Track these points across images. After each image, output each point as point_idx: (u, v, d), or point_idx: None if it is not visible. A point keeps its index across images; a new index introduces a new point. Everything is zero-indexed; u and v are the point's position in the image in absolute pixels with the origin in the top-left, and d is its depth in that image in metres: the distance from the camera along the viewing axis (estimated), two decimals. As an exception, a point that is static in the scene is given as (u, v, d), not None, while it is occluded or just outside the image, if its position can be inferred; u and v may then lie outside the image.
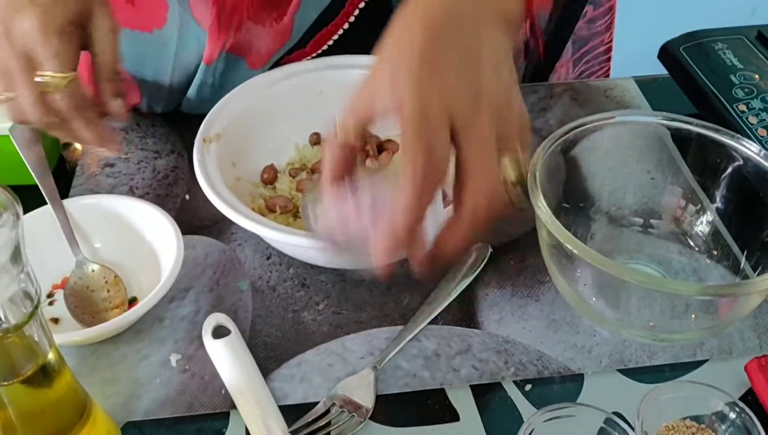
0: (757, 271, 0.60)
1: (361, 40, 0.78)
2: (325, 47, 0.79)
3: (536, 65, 0.89)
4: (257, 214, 0.61)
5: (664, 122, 0.65)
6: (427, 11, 0.46)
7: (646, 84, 0.86)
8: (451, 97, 0.45)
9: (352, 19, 0.77)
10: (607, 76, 0.95)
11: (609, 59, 0.93)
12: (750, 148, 0.61)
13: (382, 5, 0.76)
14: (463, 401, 0.56)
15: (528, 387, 0.58)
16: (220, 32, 0.73)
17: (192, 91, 0.80)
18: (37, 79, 0.58)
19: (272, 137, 0.73)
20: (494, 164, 0.47)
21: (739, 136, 0.61)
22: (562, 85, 0.85)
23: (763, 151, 0.60)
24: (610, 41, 0.93)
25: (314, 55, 0.79)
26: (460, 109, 0.45)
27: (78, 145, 0.78)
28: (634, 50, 1.09)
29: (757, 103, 0.71)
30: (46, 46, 0.57)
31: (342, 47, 0.78)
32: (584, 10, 0.88)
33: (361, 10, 0.76)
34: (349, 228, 0.50)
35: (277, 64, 0.79)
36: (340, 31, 0.78)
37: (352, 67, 0.76)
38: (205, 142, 0.66)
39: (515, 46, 0.50)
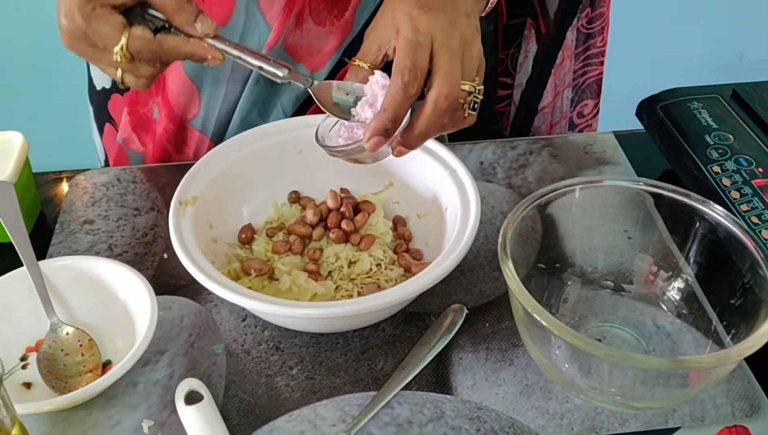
0: (730, 334, 0.60)
1: None
2: None
3: (547, 49, 0.93)
4: (231, 281, 0.61)
5: (639, 187, 0.65)
6: None
7: (625, 139, 0.86)
8: (435, 25, 0.59)
9: None
10: (600, 78, 0.96)
11: (602, 63, 0.95)
12: (720, 213, 0.61)
13: None
14: (434, 470, 0.56)
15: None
16: (284, 14, 0.76)
17: (244, 100, 0.82)
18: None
19: (250, 197, 0.74)
20: (457, 70, 0.59)
21: (708, 201, 0.62)
22: (541, 141, 0.86)
23: (731, 216, 0.60)
24: (604, 45, 0.95)
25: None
26: (439, 34, 0.59)
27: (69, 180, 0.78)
28: (618, 97, 1.09)
29: (730, 165, 0.72)
30: (92, 35, 0.61)
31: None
32: (585, 11, 0.92)
33: None
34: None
35: (335, 68, 0.81)
36: None
37: (332, 125, 0.77)
38: (182, 204, 0.67)
39: (481, 10, 0.66)
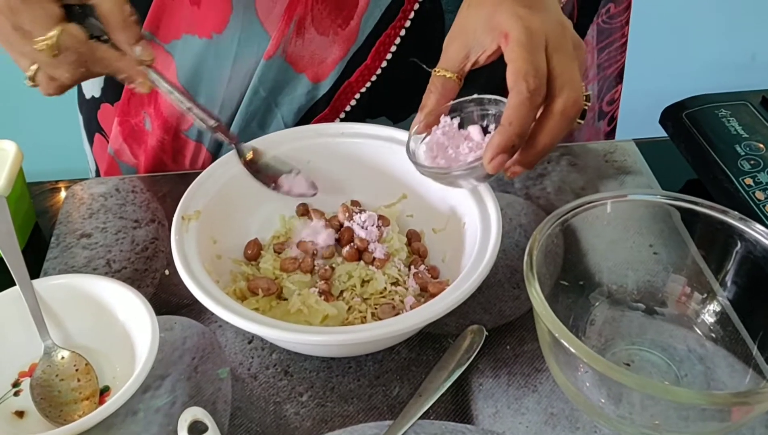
0: (770, 361, 0.57)
1: (416, 53, 0.77)
2: (384, 63, 0.77)
3: None
4: (236, 303, 0.57)
5: (669, 202, 0.62)
6: None
7: (646, 147, 0.83)
8: (548, 26, 0.55)
9: (408, 23, 0.76)
10: (622, 65, 0.94)
11: (625, 51, 0.93)
12: (761, 232, 0.57)
13: (436, 9, 0.77)
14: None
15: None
16: (284, 21, 0.73)
17: (242, 111, 0.78)
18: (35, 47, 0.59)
19: (256, 211, 0.70)
20: (579, 76, 0.55)
21: (748, 219, 0.58)
22: (560, 149, 0.82)
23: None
24: (625, 37, 0.93)
25: (374, 77, 0.79)
26: (552, 35, 0.55)
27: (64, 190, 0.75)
28: (635, 100, 1.06)
29: (764, 177, 0.68)
30: (22, 15, 0.58)
31: (399, 62, 0.77)
32: (607, 6, 0.89)
33: (416, 12, 0.76)
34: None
35: (340, 79, 0.78)
36: (398, 40, 0.76)
37: (342, 136, 0.73)
38: (184, 220, 0.63)
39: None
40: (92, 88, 0.84)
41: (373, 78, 0.78)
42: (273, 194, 0.71)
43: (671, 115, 0.78)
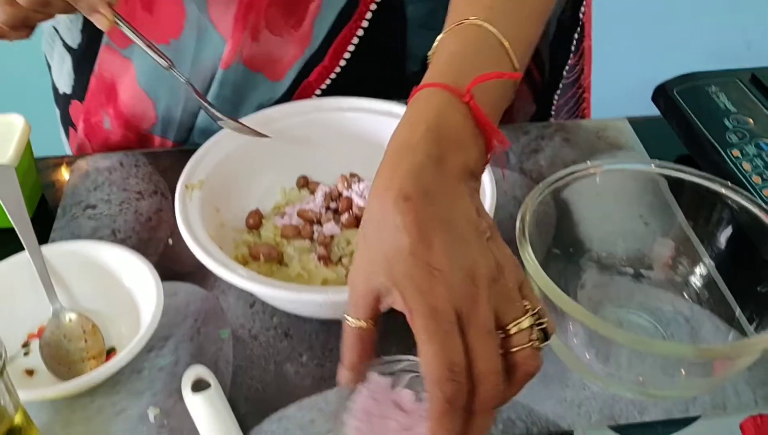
0: (753, 323, 0.59)
1: (377, 52, 0.78)
2: (343, 62, 0.78)
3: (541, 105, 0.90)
4: (238, 265, 0.59)
5: (657, 170, 0.64)
6: (399, 191, 0.45)
7: (639, 124, 0.84)
8: (452, 290, 0.43)
9: (365, 23, 0.77)
10: (585, 116, 0.94)
11: (585, 100, 0.93)
12: (744, 197, 0.59)
13: (396, 11, 0.77)
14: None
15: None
16: (237, 30, 0.73)
17: (202, 118, 0.80)
18: None
19: (257, 182, 0.72)
20: (494, 349, 0.44)
21: (733, 185, 0.60)
22: (553, 126, 0.84)
23: (756, 201, 0.59)
24: (583, 85, 0.93)
25: (333, 74, 0.79)
26: (461, 301, 0.43)
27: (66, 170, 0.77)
28: (628, 89, 1.08)
29: (751, 149, 0.70)
30: None
31: (359, 61, 0.78)
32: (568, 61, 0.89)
33: (374, 12, 0.76)
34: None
35: (298, 78, 0.78)
36: (356, 40, 0.77)
37: (342, 110, 0.75)
38: (188, 188, 0.65)
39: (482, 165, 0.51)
40: (65, 84, 0.85)
41: (333, 76, 0.79)
42: (274, 166, 0.73)
43: (663, 93, 0.80)
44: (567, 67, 0.88)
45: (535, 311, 0.45)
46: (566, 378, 0.60)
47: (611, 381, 0.58)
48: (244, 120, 0.72)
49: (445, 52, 0.53)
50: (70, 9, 0.61)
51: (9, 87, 1.46)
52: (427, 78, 0.51)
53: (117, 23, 0.62)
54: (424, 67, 0.82)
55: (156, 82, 0.79)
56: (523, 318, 0.45)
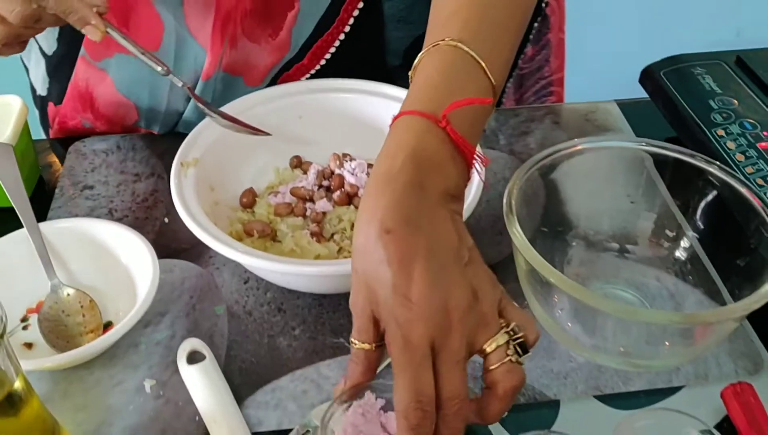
0: (735, 296, 0.60)
1: (357, 52, 0.79)
2: (323, 61, 0.79)
3: None
4: (233, 240, 0.61)
5: (642, 147, 0.65)
6: (381, 224, 0.46)
7: (627, 107, 0.86)
8: (427, 322, 0.46)
9: (347, 29, 0.78)
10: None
11: (553, 94, 0.93)
12: (727, 174, 0.61)
13: (375, 11, 0.77)
14: (437, 428, 0.56)
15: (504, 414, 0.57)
16: (216, 42, 0.74)
17: (189, 113, 0.80)
18: None
19: (251, 161, 0.73)
20: (460, 376, 0.47)
21: (715, 161, 0.61)
22: (543, 109, 0.86)
23: (738, 177, 0.60)
24: (550, 75, 0.93)
25: (313, 71, 0.80)
26: (435, 332, 0.46)
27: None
28: (617, 73, 1.09)
29: (735, 129, 0.71)
30: None
31: (340, 60, 0.79)
32: (522, 55, 0.89)
33: (355, 18, 0.77)
34: None
35: (275, 79, 0.80)
36: (337, 43, 0.78)
37: (334, 91, 0.76)
38: (183, 166, 0.66)
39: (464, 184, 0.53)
40: (42, 87, 0.85)
41: (312, 72, 0.80)
42: (267, 146, 0.74)
43: (650, 75, 0.81)
44: (523, 56, 0.89)
45: (509, 328, 0.48)
46: (553, 350, 0.61)
47: (597, 352, 0.59)
48: (239, 100, 0.73)
49: (422, 76, 0.54)
50: (60, 22, 0.62)
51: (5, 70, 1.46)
52: (405, 105, 0.52)
53: (109, 33, 0.63)
54: (404, 61, 0.83)
55: (137, 87, 0.79)
56: (498, 335, 0.47)
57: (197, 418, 0.56)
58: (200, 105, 0.69)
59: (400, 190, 0.48)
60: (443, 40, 0.54)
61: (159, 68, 0.66)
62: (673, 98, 0.77)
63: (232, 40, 0.76)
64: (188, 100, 0.80)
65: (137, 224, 0.71)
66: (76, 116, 0.83)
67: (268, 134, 0.72)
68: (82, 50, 0.78)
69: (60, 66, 0.81)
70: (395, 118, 0.52)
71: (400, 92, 0.75)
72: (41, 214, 0.71)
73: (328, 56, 0.79)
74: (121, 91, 0.80)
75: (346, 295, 0.65)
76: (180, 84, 0.68)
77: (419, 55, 0.55)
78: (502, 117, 0.83)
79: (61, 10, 0.60)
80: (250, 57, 0.77)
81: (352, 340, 0.50)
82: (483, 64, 0.53)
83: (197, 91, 0.77)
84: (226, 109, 0.72)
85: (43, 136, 0.90)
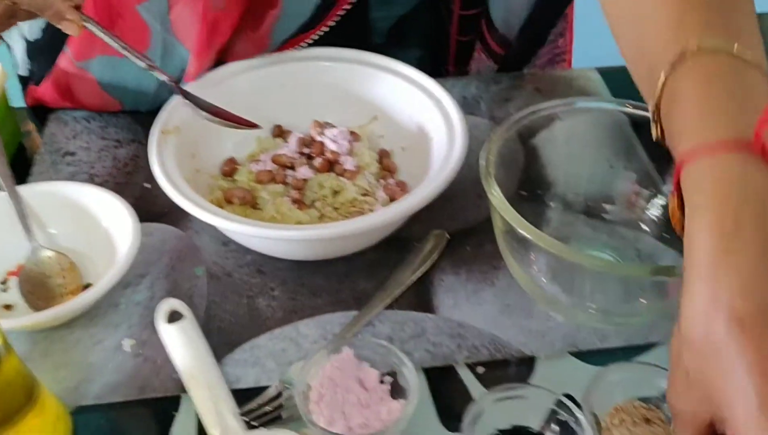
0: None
1: (338, 32, 0.78)
2: (304, 45, 0.79)
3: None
4: (211, 205, 0.61)
5: (620, 108, 0.65)
6: (731, 313, 0.36)
7: (609, 74, 0.86)
8: None
9: (328, 29, 0.77)
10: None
11: (564, 60, 0.92)
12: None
13: (360, 17, 0.77)
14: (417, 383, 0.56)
15: (480, 370, 0.58)
16: (206, 52, 0.73)
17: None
18: None
19: (233, 130, 0.73)
20: None
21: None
22: (525, 76, 0.86)
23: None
24: (565, 45, 0.93)
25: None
26: None
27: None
28: (598, 41, 1.09)
29: (713, 92, 0.71)
30: None
31: (321, 42, 0.78)
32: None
33: (337, 22, 0.77)
34: None
35: None
36: (318, 35, 0.78)
37: (317, 60, 0.77)
38: (164, 133, 0.66)
39: None
40: (21, 66, 0.83)
41: None
42: (249, 115, 0.73)
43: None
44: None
45: None
46: (530, 309, 0.62)
47: (574, 311, 0.60)
48: (222, 68, 0.73)
49: (688, 99, 0.42)
50: (34, 17, 0.61)
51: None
52: (684, 143, 0.42)
53: (87, 27, 0.61)
54: (388, 39, 0.82)
55: (120, 83, 0.78)
56: None
57: (175, 375, 0.56)
58: (186, 100, 0.68)
59: (749, 263, 0.37)
60: (687, 45, 0.43)
61: (141, 63, 0.64)
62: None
63: (221, 51, 0.75)
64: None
65: (117, 189, 0.70)
66: (57, 103, 0.82)
67: (257, 126, 0.71)
68: (66, 48, 0.76)
69: (42, 53, 0.80)
70: (681, 163, 0.42)
71: (384, 60, 0.75)
72: (21, 180, 0.71)
73: (310, 41, 0.79)
74: (104, 87, 0.78)
75: (325, 259, 0.65)
76: (164, 78, 0.66)
77: (659, 82, 0.45)
78: (483, 84, 0.84)
79: (35, 6, 0.58)
80: (233, 46, 0.77)
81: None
82: (749, 57, 0.43)
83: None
84: (210, 76, 0.72)
85: (24, 105, 0.90)
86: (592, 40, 1.08)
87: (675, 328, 0.42)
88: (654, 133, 0.47)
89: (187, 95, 0.68)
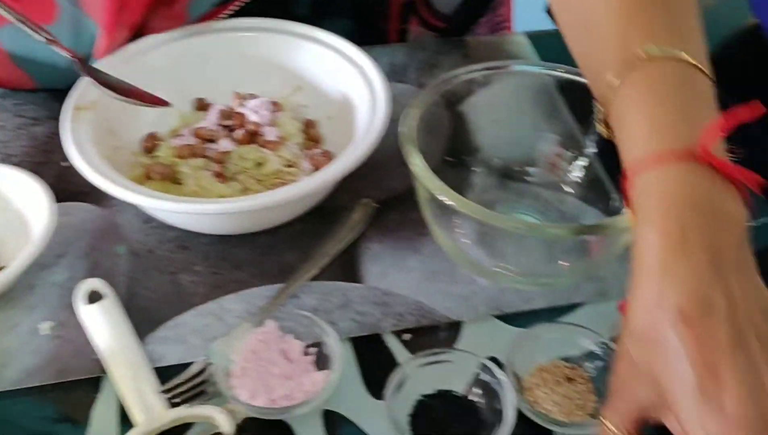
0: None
1: (258, 2, 0.76)
2: (223, 16, 0.76)
3: None
4: (129, 182, 0.60)
5: (545, 71, 0.65)
6: (676, 308, 0.39)
7: (538, 39, 0.86)
8: (747, 433, 0.38)
9: (245, 2, 0.75)
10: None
11: (505, 27, 0.93)
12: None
13: None
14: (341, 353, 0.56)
15: (407, 337, 0.58)
16: (115, 27, 0.71)
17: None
18: None
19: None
20: None
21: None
22: (452, 42, 0.85)
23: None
24: (507, 12, 0.93)
25: None
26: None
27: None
28: (538, 8, 1.09)
29: (635, 52, 0.72)
30: None
31: (241, 14, 0.76)
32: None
33: None
34: None
35: None
36: (234, 8, 0.76)
37: (237, 30, 0.75)
38: (78, 110, 0.64)
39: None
40: None
41: None
42: (169, 89, 0.71)
43: (556, 5, 0.81)
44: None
45: None
46: (455, 275, 0.62)
47: (500, 274, 0.60)
48: (141, 41, 0.71)
49: (636, 108, 0.44)
50: None
51: None
52: (637, 152, 0.43)
53: None
54: (312, 9, 0.80)
55: (32, 57, 0.74)
56: None
57: (96, 356, 0.55)
58: (91, 78, 0.65)
59: (694, 269, 0.40)
60: (633, 52, 0.44)
61: (38, 36, 0.61)
62: (577, 26, 0.77)
63: (133, 28, 0.72)
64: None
65: (35, 169, 0.68)
66: None
67: (167, 104, 0.69)
68: None
69: None
70: (629, 174, 0.44)
71: (306, 29, 0.74)
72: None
73: (229, 12, 0.77)
74: (15, 61, 0.75)
75: (250, 232, 0.65)
76: (65, 54, 0.64)
77: (607, 90, 0.46)
78: (411, 50, 0.83)
79: None
80: (148, 24, 0.74)
81: (605, 421, 0.45)
82: (695, 63, 0.44)
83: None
84: (124, 51, 0.70)
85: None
86: (532, 7, 1.09)
87: (623, 320, 0.44)
88: (605, 133, 0.49)
89: (91, 72, 0.65)
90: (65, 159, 0.69)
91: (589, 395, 0.53)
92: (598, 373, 0.54)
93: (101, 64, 0.69)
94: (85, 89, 0.67)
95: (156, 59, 0.72)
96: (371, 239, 0.64)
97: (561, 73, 0.65)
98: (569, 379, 0.54)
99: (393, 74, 0.80)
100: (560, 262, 0.59)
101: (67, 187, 0.67)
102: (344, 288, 0.61)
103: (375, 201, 0.67)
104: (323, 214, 0.66)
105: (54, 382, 0.54)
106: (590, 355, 0.55)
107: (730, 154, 0.44)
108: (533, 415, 0.52)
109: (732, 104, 0.43)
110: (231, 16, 0.76)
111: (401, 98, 0.77)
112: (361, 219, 0.66)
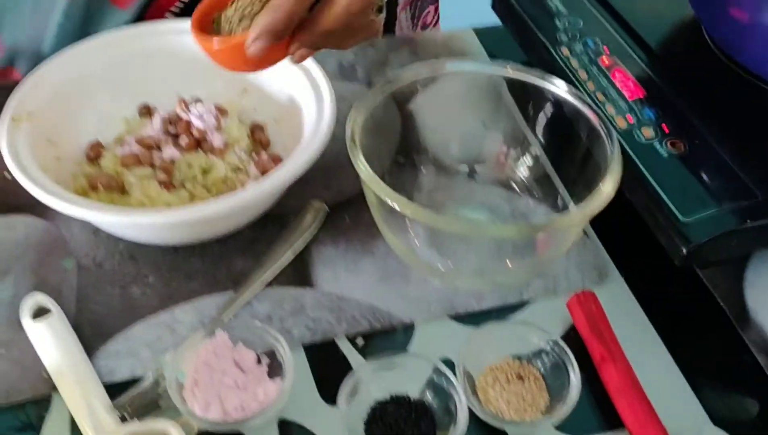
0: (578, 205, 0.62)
1: None
2: None
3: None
4: (71, 194, 0.58)
5: (493, 69, 0.65)
6: None
7: (484, 34, 0.86)
8: None
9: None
10: (437, 21, 0.96)
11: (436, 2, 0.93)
12: (560, 87, 0.62)
13: None
14: (295, 361, 0.55)
15: (360, 341, 0.58)
16: None
17: (50, 40, 0.75)
18: None
19: (95, 112, 0.70)
20: None
21: (550, 75, 0.62)
22: (400, 40, 0.85)
23: (569, 87, 0.61)
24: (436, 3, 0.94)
25: None
26: None
27: None
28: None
29: (578, 47, 0.73)
30: None
31: None
32: None
33: None
34: None
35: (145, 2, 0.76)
36: (180, 5, 0.75)
37: (181, 33, 0.74)
38: (15, 121, 0.63)
39: None
40: None
41: None
42: (113, 95, 0.71)
43: (500, 0, 0.82)
44: None
45: None
46: (408, 276, 0.62)
47: (452, 275, 0.60)
48: (84, 43, 0.70)
49: None
50: None
51: None
52: None
53: None
54: None
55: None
56: None
57: (45, 374, 0.54)
58: None
59: None
60: None
61: None
62: (523, 21, 0.78)
63: None
64: (57, 36, 0.75)
65: (-24, 183, 0.67)
66: None
67: None
68: None
69: None
70: None
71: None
72: None
73: (174, 10, 0.75)
74: None
75: (200, 242, 0.64)
76: None
77: None
78: (359, 49, 0.83)
79: None
80: None
81: None
82: None
83: (60, 12, 0.72)
84: (57, 57, 0.68)
85: None
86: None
87: None
88: None
89: None
90: (6, 169, 0.68)
91: (541, 392, 0.53)
92: (548, 371, 0.54)
93: (44, 70, 0.67)
94: (21, 99, 0.65)
95: (98, 64, 0.70)
96: (324, 242, 0.64)
97: (508, 70, 0.65)
98: (520, 377, 0.54)
99: (342, 74, 0.80)
100: (510, 259, 0.60)
101: (9, 199, 0.66)
102: (297, 294, 0.60)
103: (326, 203, 0.67)
104: (274, 220, 0.65)
105: (1, 404, 0.53)
106: (540, 353, 0.55)
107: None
108: (484, 415, 0.52)
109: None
110: (176, 15, 0.75)
111: (350, 98, 0.77)
112: (313, 222, 0.65)
